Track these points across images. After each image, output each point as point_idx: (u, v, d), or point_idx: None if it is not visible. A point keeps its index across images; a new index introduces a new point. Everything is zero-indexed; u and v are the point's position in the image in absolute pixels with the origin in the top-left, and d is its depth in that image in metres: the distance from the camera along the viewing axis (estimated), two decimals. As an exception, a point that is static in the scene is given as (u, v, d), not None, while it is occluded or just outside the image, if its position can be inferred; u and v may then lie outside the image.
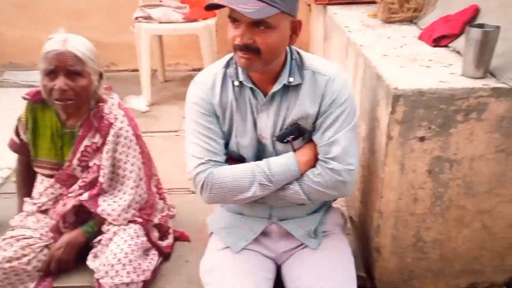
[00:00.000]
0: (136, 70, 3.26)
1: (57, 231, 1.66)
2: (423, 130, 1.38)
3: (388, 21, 2.11)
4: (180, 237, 1.85)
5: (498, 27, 1.36)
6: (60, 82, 1.49)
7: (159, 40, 3.44)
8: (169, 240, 1.80)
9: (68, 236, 1.64)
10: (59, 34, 1.57)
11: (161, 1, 3.18)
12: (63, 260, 1.60)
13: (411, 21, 2.09)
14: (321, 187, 1.33)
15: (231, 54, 1.36)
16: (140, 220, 1.67)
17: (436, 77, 1.41)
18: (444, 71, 1.47)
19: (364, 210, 1.70)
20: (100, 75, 1.63)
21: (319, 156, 1.33)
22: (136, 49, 3.11)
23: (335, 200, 1.60)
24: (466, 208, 1.51)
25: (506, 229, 1.56)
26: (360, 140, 1.67)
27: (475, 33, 1.35)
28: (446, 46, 1.71)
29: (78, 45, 1.53)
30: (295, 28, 1.26)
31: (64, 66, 1.50)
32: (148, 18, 2.99)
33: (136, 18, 3.01)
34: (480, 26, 1.39)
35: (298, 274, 1.39)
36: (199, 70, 1.58)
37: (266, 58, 1.23)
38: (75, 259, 1.63)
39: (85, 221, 1.68)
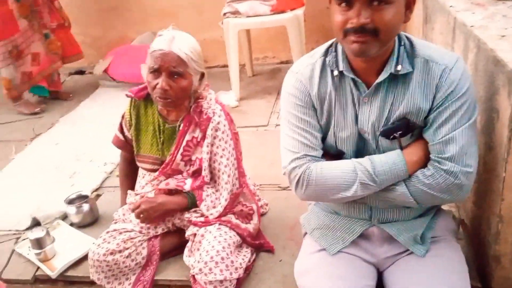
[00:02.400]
0: (226, 66, 3.28)
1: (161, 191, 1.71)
2: (555, 122, 1.17)
3: (502, -3, 1.85)
4: (264, 246, 1.77)
5: None
6: (162, 81, 1.53)
7: (247, 34, 3.43)
8: (254, 221, 1.76)
9: (165, 198, 1.67)
10: (168, 31, 1.60)
11: (248, -6, 3.15)
12: (146, 212, 1.63)
13: (531, -5, 1.81)
14: (433, 190, 1.19)
15: (330, 42, 1.27)
16: (231, 222, 1.66)
17: None
18: None
19: (479, 212, 1.51)
20: (202, 75, 1.64)
21: (432, 156, 1.19)
22: (225, 45, 3.13)
23: (444, 202, 1.44)
24: None
25: None
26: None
27: None
28: None
29: (183, 46, 1.54)
30: (409, 2, 1.14)
31: (167, 67, 1.53)
32: (236, 13, 2.98)
33: (224, 14, 3.03)
34: None
35: (403, 283, 1.27)
36: (287, 62, 1.52)
37: (384, 39, 1.11)
38: (158, 219, 1.68)
39: None
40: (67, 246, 1.89)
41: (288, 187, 2.01)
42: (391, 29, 1.11)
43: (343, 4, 1.10)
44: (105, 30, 4.01)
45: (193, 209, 1.68)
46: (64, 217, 2.11)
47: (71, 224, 2.05)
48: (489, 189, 1.39)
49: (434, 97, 1.17)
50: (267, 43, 3.71)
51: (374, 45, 1.11)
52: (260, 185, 2.11)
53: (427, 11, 2.36)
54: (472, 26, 1.58)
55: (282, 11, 2.95)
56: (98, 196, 2.27)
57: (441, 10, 2.03)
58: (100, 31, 4.02)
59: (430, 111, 1.19)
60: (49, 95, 3.49)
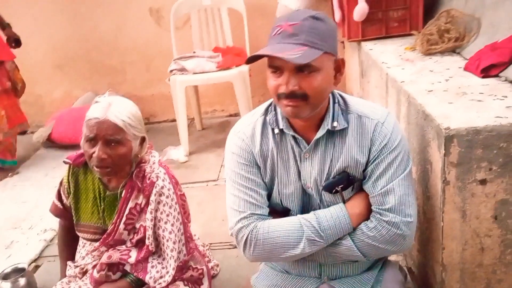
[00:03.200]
0: (174, 120, 3.28)
1: (99, 282, 1.60)
2: (483, 172, 1.24)
3: (428, 53, 2.00)
4: None
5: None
6: (99, 150, 1.48)
7: (195, 89, 3.47)
8: (205, 285, 1.71)
9: (110, 287, 1.58)
10: (104, 98, 1.56)
11: (194, 52, 3.22)
12: None
13: (453, 51, 1.97)
14: (377, 242, 1.21)
15: (269, 101, 1.30)
16: None
17: (491, 112, 1.28)
18: (499, 104, 1.34)
19: (424, 261, 1.54)
20: (142, 139, 1.60)
21: (373, 208, 1.22)
22: (173, 100, 3.15)
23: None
24: (543, 256, 1.33)
25: None
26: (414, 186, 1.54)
27: (532, 61, 1.23)
28: (496, 75, 1.58)
29: (120, 112, 1.50)
30: (339, 66, 1.20)
31: (103, 135, 1.48)
32: (182, 70, 3.03)
33: (171, 71, 3.06)
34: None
35: None
36: (235, 115, 1.54)
37: (314, 103, 1.15)
38: None
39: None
40: (0, 327, 1.72)
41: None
42: (320, 94, 1.16)
43: (275, 72, 1.14)
44: (49, 89, 3.93)
45: None
46: (-1, 293, 1.94)
47: (6, 301, 1.89)
48: (431, 238, 1.43)
49: (370, 151, 1.22)
50: (215, 97, 3.77)
51: (305, 108, 1.15)
52: (211, 244, 2.06)
53: (363, 66, 2.51)
54: (402, 81, 1.69)
55: (228, 68, 3.02)
56: (37, 267, 2.12)
57: (374, 66, 2.16)
58: (44, 89, 3.93)
59: (367, 164, 1.22)
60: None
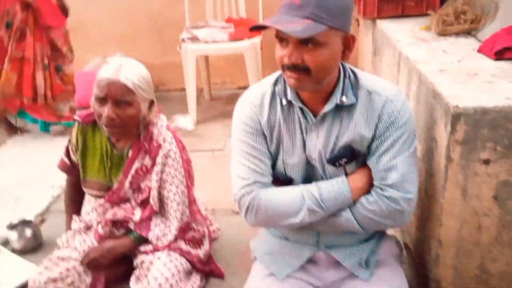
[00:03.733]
0: (184, 90, 3.29)
1: (103, 238, 1.66)
2: (487, 152, 1.25)
3: (443, 34, 1.98)
4: (214, 272, 1.75)
5: None
6: (108, 110, 1.50)
7: (206, 59, 3.47)
8: (205, 246, 1.75)
9: (113, 242, 1.64)
10: (115, 59, 1.58)
11: (206, 22, 3.21)
12: (96, 262, 1.59)
13: (468, 33, 1.95)
14: (376, 215, 1.23)
15: (279, 72, 1.30)
16: (181, 249, 1.65)
17: (501, 93, 1.28)
18: (510, 86, 1.34)
19: (421, 237, 1.57)
20: (151, 102, 1.62)
21: (375, 182, 1.24)
22: (183, 69, 3.15)
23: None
24: (539, 239, 1.35)
25: None
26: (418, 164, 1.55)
27: (546, 44, 1.22)
28: (510, 59, 1.57)
29: (130, 74, 1.52)
30: (348, 43, 1.18)
31: (113, 96, 1.50)
32: (194, 39, 3.02)
33: (183, 39, 3.05)
34: (552, 36, 1.26)
35: (348, 307, 1.30)
36: (244, 88, 1.54)
37: (317, 77, 1.15)
38: (109, 265, 1.63)
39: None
40: (7, 274, 1.79)
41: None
42: (323, 69, 1.15)
43: (282, 42, 1.15)
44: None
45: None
46: (6, 243, 2.00)
47: (13, 251, 1.95)
48: (430, 215, 1.45)
49: (377, 127, 1.22)
50: (226, 69, 3.76)
51: (307, 82, 1.15)
52: (214, 209, 2.10)
53: (376, 44, 2.49)
54: (415, 60, 1.68)
55: (240, 39, 3.01)
56: (43, 221, 2.18)
57: (388, 44, 2.14)
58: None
59: (372, 139, 1.24)
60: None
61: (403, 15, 2.41)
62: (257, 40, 3.04)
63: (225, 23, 3.19)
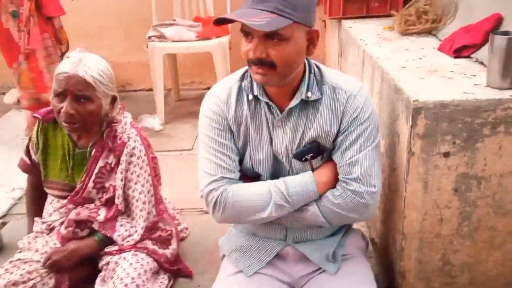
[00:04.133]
0: (151, 90, 3.25)
1: (66, 239, 1.61)
2: (447, 145, 1.29)
3: (405, 33, 2.04)
4: (182, 271, 1.73)
5: (525, 34, 1.28)
6: (67, 105, 1.47)
7: (173, 59, 3.43)
8: (173, 246, 1.72)
9: (76, 244, 1.59)
10: (75, 53, 1.54)
11: (174, 20, 3.17)
12: (59, 264, 1.54)
13: (429, 32, 2.01)
14: (341, 209, 1.25)
15: (246, 67, 1.30)
16: (147, 248, 1.62)
17: (459, 89, 1.33)
18: (468, 82, 1.38)
19: (386, 231, 1.60)
20: (113, 98, 1.59)
21: (340, 177, 1.26)
22: (150, 69, 3.11)
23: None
24: (497, 229, 1.40)
25: (541, 251, 1.44)
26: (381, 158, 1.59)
27: (500, 41, 1.27)
28: (468, 56, 1.63)
29: (90, 68, 1.49)
30: (312, 38, 1.19)
31: (72, 90, 1.46)
32: (161, 37, 2.98)
33: (150, 37, 3.01)
34: (505, 33, 1.31)
35: (316, 301, 1.31)
36: (213, 88, 1.52)
37: (282, 72, 1.16)
38: (72, 267, 1.57)
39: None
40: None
41: (209, 211, 2.02)
42: (288, 64, 1.15)
43: (248, 36, 1.15)
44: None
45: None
46: (-37, 247, 1.92)
47: (-29, 255, 1.87)
48: (393, 208, 1.49)
49: (341, 122, 1.24)
50: (194, 69, 3.74)
51: (273, 77, 1.16)
52: (182, 209, 2.07)
53: (342, 44, 2.54)
54: (378, 57, 1.72)
55: (208, 38, 3.00)
56: (4, 224, 2.10)
57: (353, 43, 2.19)
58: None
59: (337, 134, 1.25)
60: None
61: (368, 15, 2.46)
62: (225, 39, 3.03)
63: (193, 21, 3.17)
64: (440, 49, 1.75)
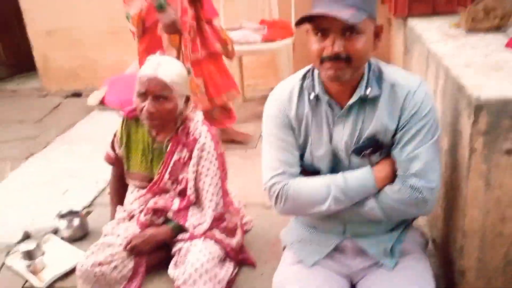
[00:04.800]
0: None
1: (145, 225, 1.77)
2: (509, 143, 1.28)
3: (472, 30, 1.99)
4: (246, 261, 1.84)
5: None
6: (149, 104, 1.64)
7: (239, 61, 3.57)
8: (238, 236, 1.84)
9: (154, 230, 1.75)
10: (155, 57, 1.72)
11: (241, 24, 3.31)
12: (138, 248, 1.70)
13: (497, 29, 1.96)
14: (399, 204, 1.28)
15: (307, 67, 1.38)
16: (215, 237, 1.74)
17: (525, 86, 1.31)
18: (534, 79, 1.36)
19: (447, 230, 1.60)
20: (187, 98, 1.75)
21: (398, 172, 1.29)
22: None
23: (415, 219, 1.52)
24: None
25: None
26: (442, 154, 1.59)
27: None
28: (538, 53, 1.58)
29: (168, 71, 1.66)
30: (378, 32, 1.26)
31: (153, 91, 1.64)
32: (228, 40, 3.13)
33: (218, 41, 3.16)
34: None
35: (373, 295, 1.35)
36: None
37: (356, 65, 1.22)
38: (149, 251, 1.73)
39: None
40: (57, 259, 1.95)
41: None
42: (363, 57, 1.23)
43: (319, 34, 1.21)
44: (102, 53, 4.15)
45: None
46: (56, 231, 2.17)
47: (62, 238, 2.11)
48: (455, 207, 1.48)
49: (400, 118, 1.28)
50: (259, 70, 3.86)
51: (347, 71, 1.22)
52: (246, 203, 2.19)
53: (407, 42, 2.52)
54: (442, 55, 1.72)
55: (273, 40, 3.10)
56: (89, 212, 2.33)
57: (418, 41, 2.17)
58: (99, 55, 4.16)
59: (396, 130, 1.29)
60: None
61: (434, 13, 2.42)
62: (289, 41, 3.12)
63: (258, 25, 3.29)
64: (507, 45, 1.71)
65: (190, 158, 1.74)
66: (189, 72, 2.54)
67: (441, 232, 1.68)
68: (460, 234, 1.43)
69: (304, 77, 1.38)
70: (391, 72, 1.32)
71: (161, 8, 2.40)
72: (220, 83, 2.74)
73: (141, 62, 2.58)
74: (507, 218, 1.36)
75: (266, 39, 3.10)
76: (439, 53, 1.75)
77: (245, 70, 3.66)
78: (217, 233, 1.75)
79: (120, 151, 1.86)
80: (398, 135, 1.29)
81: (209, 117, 2.58)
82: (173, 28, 2.45)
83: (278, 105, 1.39)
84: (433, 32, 2.09)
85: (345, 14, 1.14)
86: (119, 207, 1.90)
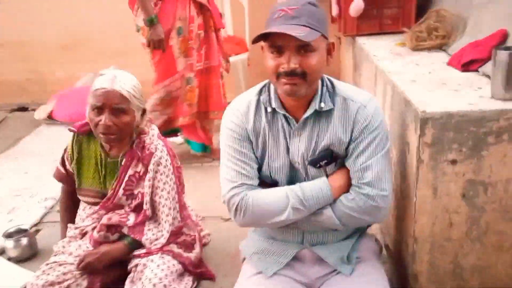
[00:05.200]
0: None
1: (98, 243, 1.73)
2: (454, 153, 1.38)
3: (416, 49, 2.13)
4: (205, 274, 1.83)
5: (526, 49, 1.36)
6: (106, 118, 1.61)
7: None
8: (196, 250, 1.83)
9: (108, 247, 1.71)
10: (109, 71, 1.69)
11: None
12: (92, 265, 1.65)
13: (440, 48, 2.11)
14: (354, 212, 1.34)
15: (263, 82, 1.42)
16: (173, 251, 1.72)
17: (465, 100, 1.42)
18: (474, 94, 1.47)
19: (399, 236, 1.68)
20: (143, 111, 1.73)
21: (353, 182, 1.35)
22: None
23: (369, 226, 1.59)
24: (505, 233, 1.47)
25: (550, 256, 1.49)
26: (392, 165, 1.67)
27: (502, 56, 1.36)
28: (475, 70, 1.71)
29: (125, 84, 1.64)
30: (330, 50, 1.33)
31: (110, 104, 1.61)
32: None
33: (173, 56, 3.17)
34: (508, 48, 1.40)
35: (332, 301, 1.38)
36: (232, 103, 1.64)
37: (311, 80, 1.28)
38: (104, 269, 1.68)
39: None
40: (5, 281, 1.84)
41: (231, 218, 2.12)
42: (317, 72, 1.29)
43: (275, 51, 1.27)
44: (53, 68, 4.03)
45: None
46: (2, 251, 2.05)
47: (9, 259, 2.00)
48: (405, 214, 1.57)
49: (352, 131, 1.35)
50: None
51: (302, 86, 1.28)
52: (204, 217, 2.18)
53: (356, 60, 2.64)
54: (389, 72, 1.82)
55: (228, 56, 3.14)
56: (38, 231, 2.24)
57: (366, 59, 2.29)
58: (48, 69, 4.03)
59: (349, 142, 1.35)
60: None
61: (381, 32, 2.56)
62: (244, 56, 3.18)
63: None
64: (449, 63, 1.85)
65: (145, 172, 1.72)
66: (188, 83, 2.67)
67: (394, 239, 1.76)
68: (411, 240, 1.51)
69: (260, 92, 1.43)
70: (343, 87, 1.39)
71: (151, 23, 2.49)
72: (213, 99, 2.78)
73: (158, 73, 2.64)
74: (454, 224, 1.46)
75: (222, 54, 3.13)
76: (386, 70, 1.86)
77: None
78: (174, 247, 1.74)
79: (71, 167, 1.81)
80: (351, 147, 1.35)
81: (193, 130, 2.75)
82: (159, 45, 2.53)
83: (235, 119, 1.42)
84: (381, 50, 2.22)
85: (300, 32, 1.20)
86: (70, 225, 1.84)
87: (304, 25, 1.23)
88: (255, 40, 1.29)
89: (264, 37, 1.27)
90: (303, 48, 1.24)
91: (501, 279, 1.53)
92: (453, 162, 1.39)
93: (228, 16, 3.45)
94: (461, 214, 1.45)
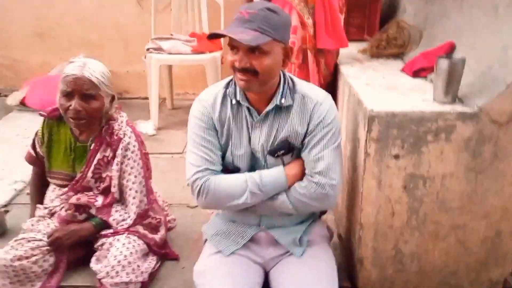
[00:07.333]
0: (147, 98, 3.48)
1: (65, 221, 1.81)
2: (397, 148, 1.54)
3: (376, 56, 2.30)
4: (169, 255, 1.94)
5: (463, 59, 1.53)
6: (75, 103, 1.69)
7: (169, 70, 3.67)
8: (161, 232, 1.93)
9: (77, 225, 1.79)
10: (79, 58, 1.78)
11: (171, 35, 3.43)
12: (60, 240, 1.73)
13: (397, 56, 2.28)
14: (306, 198, 1.48)
15: (231, 77, 1.55)
16: (139, 232, 1.82)
17: (410, 102, 1.58)
18: (418, 97, 1.64)
19: (349, 224, 1.83)
20: (112, 98, 1.82)
21: (306, 171, 1.49)
22: (147, 79, 3.34)
23: (323, 214, 1.74)
24: (441, 223, 1.64)
25: (479, 245, 1.67)
26: (345, 159, 1.83)
27: (443, 63, 1.53)
28: (425, 77, 1.89)
29: (94, 70, 1.73)
30: (287, 53, 1.45)
31: (80, 90, 1.69)
32: (159, 49, 3.23)
33: (148, 49, 3.26)
34: (449, 57, 1.57)
35: (283, 280, 1.51)
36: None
37: (263, 79, 1.40)
38: (71, 245, 1.77)
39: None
40: (-29, 257, 1.88)
41: (196, 206, 2.23)
42: (268, 72, 1.41)
43: (234, 49, 1.40)
44: (27, 55, 4.03)
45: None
46: (-30, 229, 2.10)
47: (-23, 237, 2.05)
48: (354, 203, 1.72)
49: (308, 125, 1.48)
50: (188, 80, 3.98)
51: (255, 83, 1.41)
52: (171, 204, 2.29)
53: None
54: (348, 75, 1.98)
55: (202, 52, 3.25)
56: (7, 211, 2.28)
57: (331, 62, 2.44)
58: (22, 55, 4.03)
59: (305, 135, 1.49)
60: None
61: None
62: (217, 54, 3.29)
63: (189, 37, 3.42)
64: (402, 70, 2.02)
65: (114, 157, 1.80)
66: None
67: (345, 227, 1.91)
68: (358, 227, 1.66)
69: (227, 85, 1.55)
70: (303, 85, 1.53)
71: None
72: None
73: None
74: (396, 213, 1.62)
75: (196, 51, 3.24)
76: (345, 73, 2.02)
77: (174, 79, 3.77)
78: (140, 229, 1.83)
79: (41, 150, 1.88)
80: (306, 139, 1.49)
81: None
82: None
83: (203, 108, 1.54)
84: (344, 56, 2.37)
85: (246, 36, 1.32)
86: (39, 205, 1.91)
87: (255, 29, 1.34)
88: (210, 37, 1.41)
89: (221, 35, 1.39)
90: (256, 49, 1.36)
91: (437, 265, 1.70)
92: (396, 156, 1.55)
93: (205, 15, 3.55)
94: (402, 204, 1.61)
